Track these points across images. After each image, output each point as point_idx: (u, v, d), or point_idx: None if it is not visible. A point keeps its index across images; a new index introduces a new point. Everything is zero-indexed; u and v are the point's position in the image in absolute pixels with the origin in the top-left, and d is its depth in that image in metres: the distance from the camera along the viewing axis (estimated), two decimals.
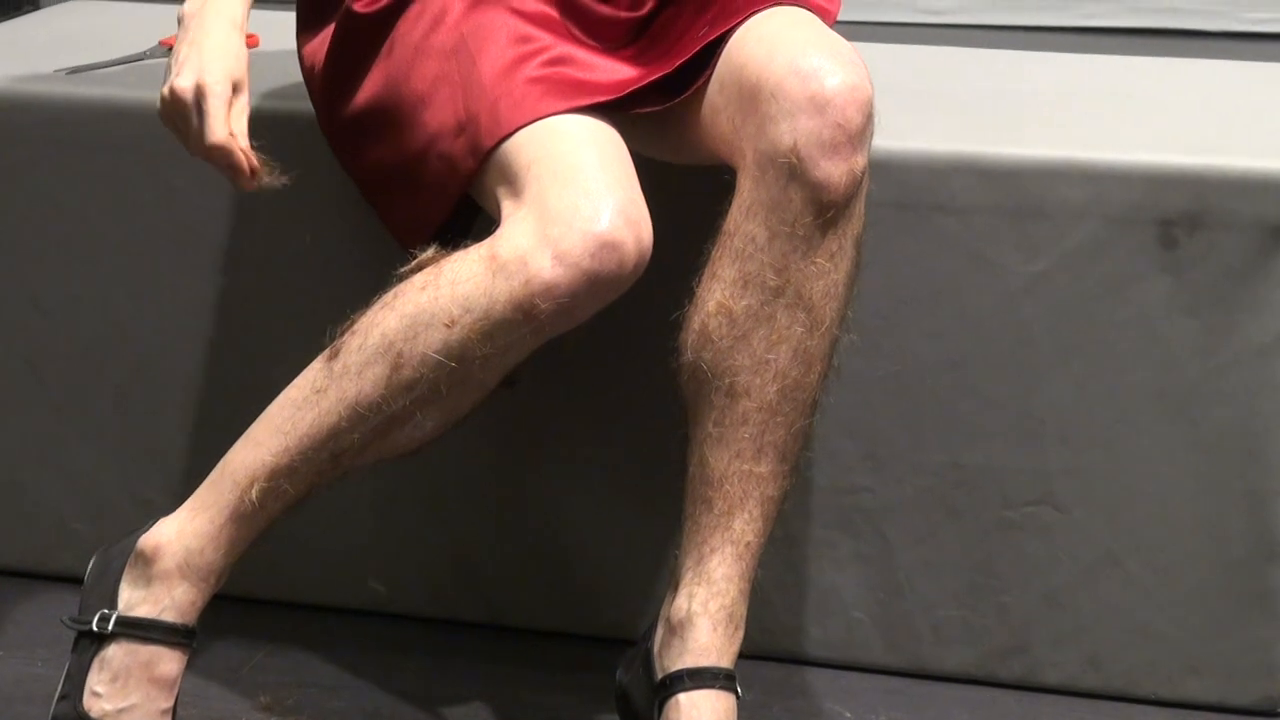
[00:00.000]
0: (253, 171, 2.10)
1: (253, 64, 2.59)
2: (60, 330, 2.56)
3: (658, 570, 2.43)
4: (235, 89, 2.10)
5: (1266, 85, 2.56)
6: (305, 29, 2.31)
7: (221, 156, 2.09)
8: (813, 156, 2.04)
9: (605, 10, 2.22)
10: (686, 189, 2.21)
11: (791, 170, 2.05)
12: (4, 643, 2.49)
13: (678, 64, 2.14)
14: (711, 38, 2.13)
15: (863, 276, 2.25)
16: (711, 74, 2.13)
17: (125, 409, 2.55)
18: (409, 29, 2.19)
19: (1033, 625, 2.38)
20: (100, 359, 2.55)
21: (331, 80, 2.25)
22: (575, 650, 2.47)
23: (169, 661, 2.14)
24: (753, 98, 2.07)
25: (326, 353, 2.09)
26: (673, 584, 2.16)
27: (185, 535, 2.13)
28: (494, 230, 2.07)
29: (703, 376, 2.10)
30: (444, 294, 2.03)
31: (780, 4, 2.16)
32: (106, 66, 2.60)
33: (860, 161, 2.06)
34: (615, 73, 2.16)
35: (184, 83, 2.09)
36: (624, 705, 2.19)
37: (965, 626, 2.39)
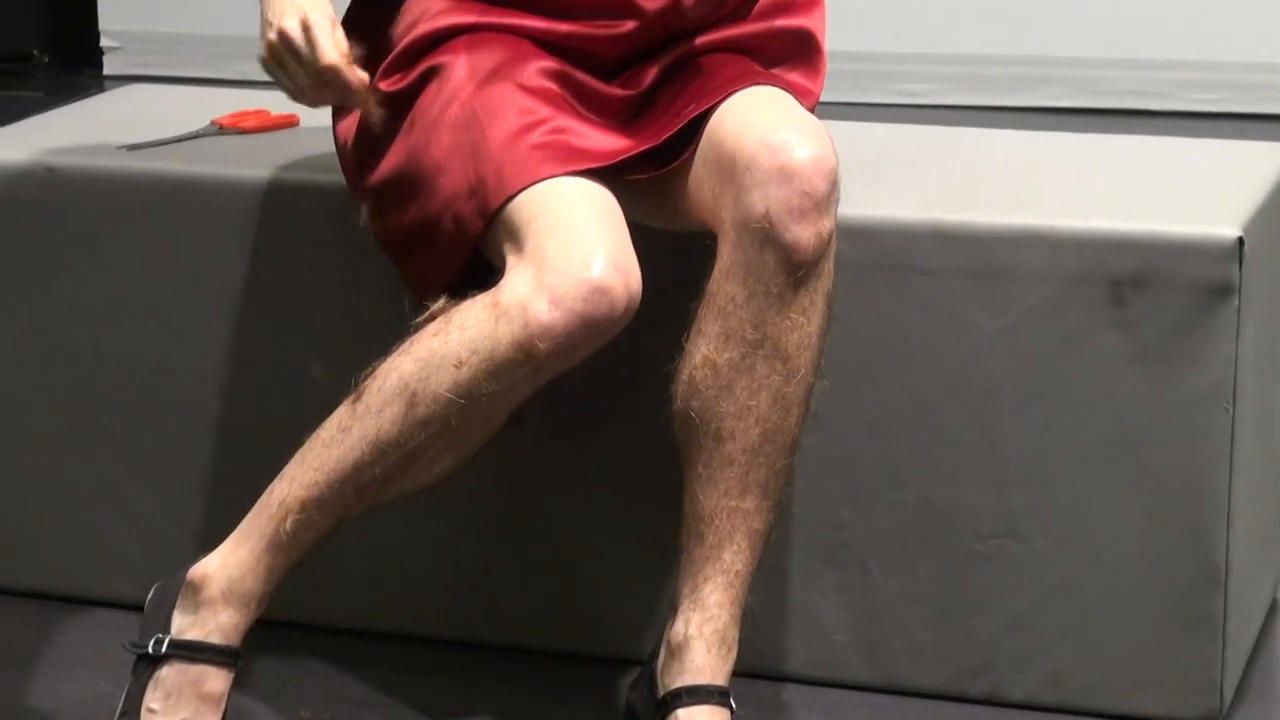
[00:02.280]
0: (361, 83, 2.11)
1: (294, 141, 2.61)
2: (118, 380, 2.55)
3: (661, 596, 2.42)
4: (307, 25, 2.11)
5: (1206, 159, 2.56)
6: (339, 109, 2.32)
7: (335, 75, 2.09)
8: (783, 222, 2.06)
9: (604, 88, 2.23)
10: (679, 251, 2.21)
11: (765, 235, 2.06)
12: (68, 662, 2.49)
13: (665, 137, 2.16)
14: (695, 114, 2.15)
15: (845, 331, 2.26)
16: (696, 148, 2.14)
17: (175, 451, 2.55)
18: (427, 105, 2.20)
19: (998, 646, 2.37)
20: (153, 406, 2.55)
21: (360, 152, 2.26)
22: (586, 670, 2.46)
23: (216, 680, 2.14)
24: (729, 169, 2.09)
25: (351, 396, 2.12)
26: (672, 610, 2.16)
27: (228, 565, 2.14)
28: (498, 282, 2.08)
29: (692, 423, 2.11)
30: (453, 338, 2.05)
31: (758, 84, 2.17)
32: (163, 144, 2.60)
33: (827, 225, 2.07)
34: (610, 143, 2.17)
35: (290, 22, 2.10)
36: (629, 716, 2.19)
37: (937, 647, 2.38)
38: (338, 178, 2.37)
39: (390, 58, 2.23)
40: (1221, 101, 4.77)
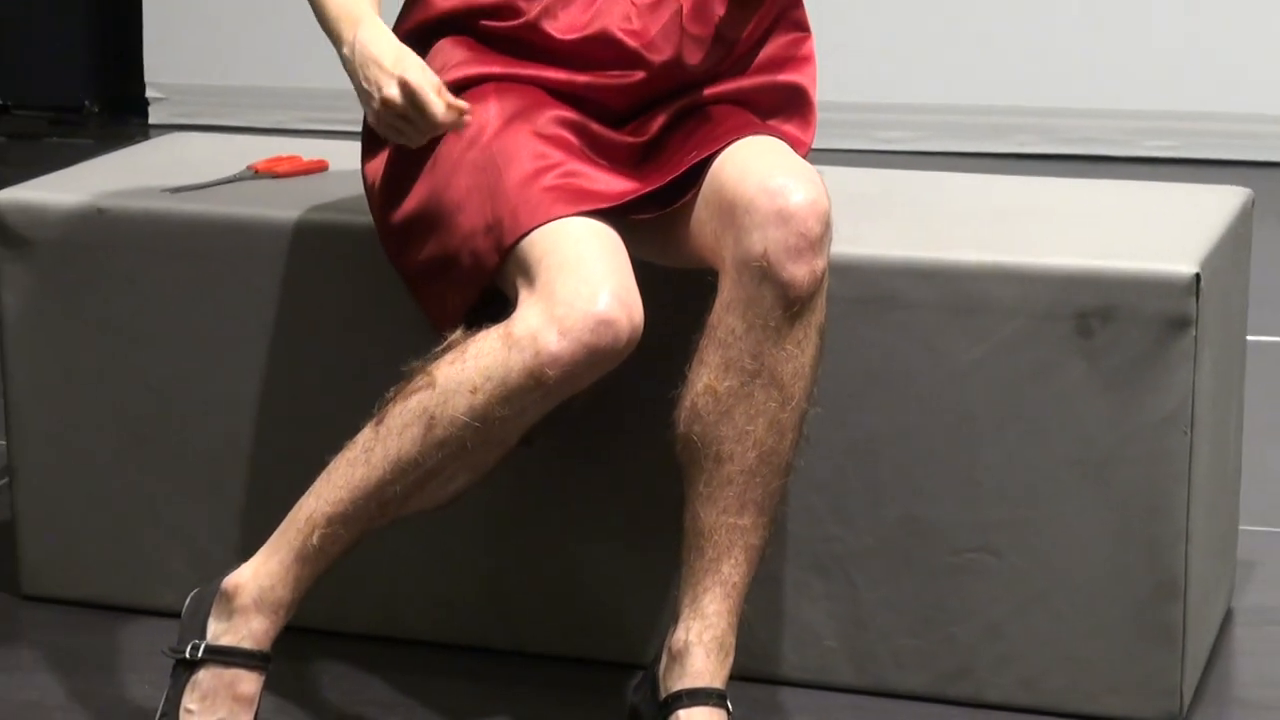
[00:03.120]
0: (467, 119, 2.12)
1: (324, 184, 2.61)
2: (163, 405, 2.55)
3: (662, 604, 2.41)
4: (423, 70, 2.12)
5: (1164, 202, 2.55)
6: (367, 152, 2.32)
7: (448, 128, 2.11)
8: (780, 261, 2.06)
9: (614, 135, 2.23)
10: (679, 286, 2.21)
11: (763, 273, 2.06)
12: (117, 667, 2.48)
13: (668, 179, 2.16)
14: (697, 159, 2.15)
15: (833, 360, 2.25)
16: (698, 191, 2.14)
17: (215, 471, 2.54)
18: (449, 148, 2.20)
19: (976, 652, 2.36)
20: (195, 430, 2.54)
21: (386, 192, 2.25)
22: (592, 674, 2.45)
23: (248, 682, 2.14)
24: (730, 212, 2.09)
25: (374, 419, 2.12)
26: (673, 618, 2.16)
27: (259, 575, 2.14)
28: (510, 314, 2.09)
29: (694, 446, 2.11)
30: (469, 366, 2.06)
31: (757, 133, 2.17)
32: (203, 187, 2.60)
33: (820, 264, 2.08)
34: (618, 185, 2.18)
35: (391, 91, 2.10)
36: (631, 718, 2.19)
37: (919, 653, 2.37)
38: (365, 218, 2.37)
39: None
40: (1178, 148, 4.77)
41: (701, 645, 2.13)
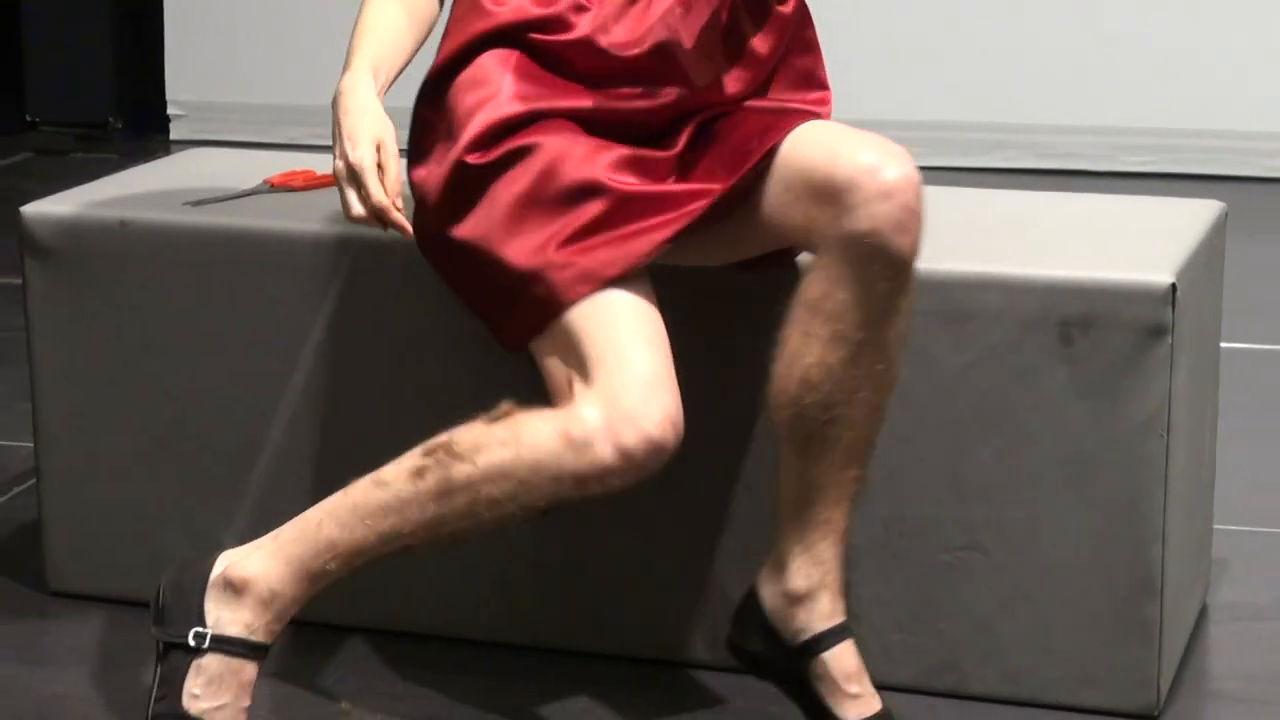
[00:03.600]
0: (404, 232, 2.12)
1: (338, 198, 2.60)
2: (184, 413, 2.55)
3: (665, 601, 2.41)
4: (379, 147, 2.11)
5: (1142, 215, 2.55)
6: (418, 158, 2.25)
7: (382, 216, 2.11)
8: (888, 235, 2.07)
9: (658, 154, 2.20)
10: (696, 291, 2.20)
11: (872, 247, 2.07)
12: (138, 660, 2.47)
13: (743, 172, 2.13)
14: (770, 146, 2.13)
15: None
16: (759, 185, 2.13)
17: (231, 474, 2.54)
18: (508, 185, 2.16)
19: (962, 647, 2.36)
20: (213, 434, 2.54)
21: (441, 212, 2.20)
22: (598, 667, 2.45)
23: (250, 670, 2.15)
24: (827, 191, 2.09)
25: (415, 472, 2.09)
26: (776, 567, 2.17)
27: (270, 577, 2.14)
28: (548, 383, 2.12)
29: (804, 411, 2.12)
30: (523, 456, 2.05)
31: (804, 119, 2.17)
32: (222, 200, 2.60)
33: (920, 234, 2.09)
34: (678, 207, 2.15)
35: (338, 164, 2.11)
36: (755, 665, 2.21)
37: (908, 647, 2.37)
38: (376, 232, 2.36)
39: (472, 135, 2.17)
40: (1154, 163, 4.77)
41: (826, 588, 2.16)
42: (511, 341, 2.20)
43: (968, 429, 2.30)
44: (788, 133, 2.15)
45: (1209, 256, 2.46)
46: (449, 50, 2.22)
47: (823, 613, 2.16)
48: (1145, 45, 4.72)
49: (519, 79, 2.20)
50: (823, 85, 2.33)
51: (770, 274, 2.26)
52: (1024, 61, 4.77)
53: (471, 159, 2.17)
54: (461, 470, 2.07)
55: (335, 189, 2.64)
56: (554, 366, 2.13)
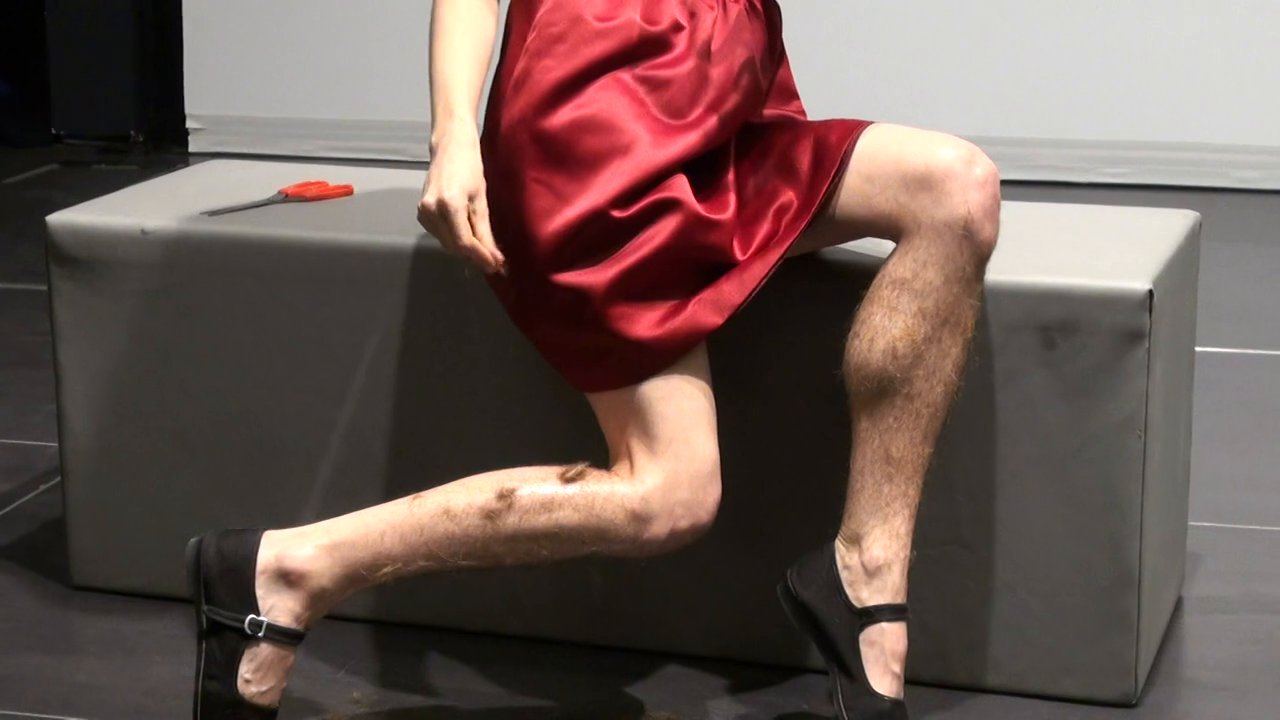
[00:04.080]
0: (497, 263, 2.09)
1: (348, 208, 2.60)
2: (204, 411, 2.55)
3: (663, 594, 2.41)
4: (472, 199, 2.09)
5: (1120, 224, 2.55)
6: (500, 172, 2.18)
7: (470, 254, 2.09)
8: (980, 220, 2.12)
9: (723, 177, 2.19)
10: None
11: (965, 231, 2.12)
12: (159, 650, 2.48)
13: (829, 180, 2.15)
14: (849, 148, 2.16)
15: (818, 366, 2.25)
16: (837, 182, 2.16)
17: (249, 471, 2.54)
18: (639, 245, 2.13)
19: (948, 637, 2.36)
20: (231, 433, 2.54)
21: (546, 251, 2.13)
22: (596, 657, 2.45)
23: (292, 657, 2.18)
24: (924, 179, 2.13)
25: (487, 514, 2.15)
26: (850, 537, 2.18)
27: (323, 575, 2.15)
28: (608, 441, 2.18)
29: (887, 384, 2.13)
30: (590, 522, 2.13)
31: (860, 125, 2.19)
32: (238, 210, 2.60)
33: (999, 224, 2.15)
34: (772, 244, 2.17)
35: (429, 199, 2.08)
36: (803, 612, 2.20)
37: None
38: (384, 238, 2.36)
39: (619, 190, 2.11)
40: (1132, 175, 4.77)
41: (899, 562, 2.17)
42: (578, 384, 2.20)
43: (953, 428, 2.30)
44: (850, 136, 2.17)
45: (1184, 264, 2.46)
46: (560, 75, 2.13)
47: (894, 587, 2.16)
48: (1123, 63, 4.72)
49: (649, 123, 2.14)
50: (797, 95, 2.35)
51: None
52: (1006, 78, 4.77)
53: (617, 214, 2.12)
54: (532, 521, 2.14)
55: (344, 199, 2.67)
56: (620, 427, 2.17)
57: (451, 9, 2.16)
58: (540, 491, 2.14)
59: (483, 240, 2.08)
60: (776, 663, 2.41)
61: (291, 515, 2.49)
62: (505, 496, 2.14)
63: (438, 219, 2.08)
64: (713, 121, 2.17)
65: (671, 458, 2.14)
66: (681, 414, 2.15)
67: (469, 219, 2.07)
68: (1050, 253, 2.40)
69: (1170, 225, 2.52)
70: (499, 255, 2.09)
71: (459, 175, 2.08)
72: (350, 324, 2.48)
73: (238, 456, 2.54)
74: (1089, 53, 4.74)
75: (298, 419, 2.51)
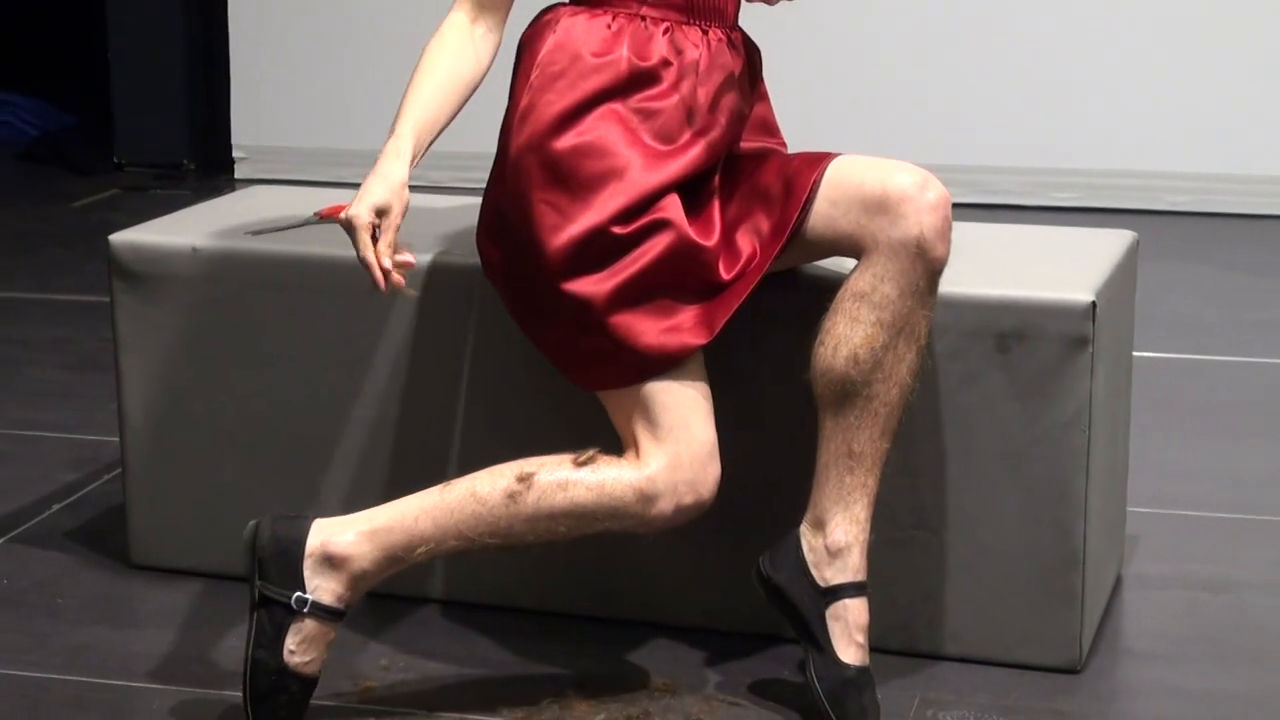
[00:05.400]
0: (390, 284, 2.09)
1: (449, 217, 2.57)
2: (247, 410, 2.54)
3: (667, 571, 2.40)
4: (382, 214, 2.09)
5: (1066, 242, 2.55)
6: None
7: (363, 266, 2.10)
8: (932, 240, 2.12)
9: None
10: None
11: (919, 250, 2.11)
12: (210, 624, 2.48)
13: (800, 204, 2.15)
14: (816, 179, 2.15)
15: (795, 370, 2.24)
16: (807, 211, 2.15)
17: (290, 464, 2.53)
18: (637, 259, 2.13)
19: (913, 611, 2.35)
20: (273, 429, 2.53)
21: (553, 263, 2.13)
22: (604, 629, 2.44)
23: (333, 633, 2.18)
24: (881, 203, 2.12)
25: (510, 496, 2.15)
26: (817, 523, 2.18)
27: (364, 559, 2.15)
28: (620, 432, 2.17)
29: (850, 387, 2.13)
30: (602, 501, 2.13)
31: (805, 157, 2.18)
32: (277, 230, 2.59)
33: (950, 244, 2.15)
34: (754, 266, 2.17)
35: (358, 210, 2.10)
36: (775, 593, 2.20)
37: None
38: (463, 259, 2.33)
39: (618, 208, 2.11)
40: (1076, 199, 4.77)
41: (859, 544, 2.18)
42: (583, 384, 2.20)
43: (918, 424, 2.30)
44: (818, 167, 2.16)
45: (1123, 278, 2.46)
46: (562, 108, 2.12)
47: (854, 566, 2.17)
48: (1067, 98, 4.72)
49: (641, 149, 2.13)
50: (778, 130, 2.34)
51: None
52: (961, 111, 4.77)
53: (617, 230, 2.12)
54: (550, 501, 2.13)
55: None
56: (626, 418, 2.17)
57: (438, 46, 2.17)
58: (556, 475, 2.14)
59: (379, 258, 2.08)
60: (756, 632, 2.40)
61: (324, 502, 2.49)
62: (525, 479, 2.13)
63: (346, 230, 2.10)
64: (700, 146, 2.16)
65: (674, 442, 2.14)
66: (681, 403, 2.15)
67: (372, 234, 2.08)
68: (1004, 268, 2.39)
69: (1110, 244, 2.51)
70: (396, 276, 2.09)
71: (371, 192, 2.10)
72: (378, 332, 2.47)
73: (277, 450, 2.53)
74: (1036, 88, 4.74)
75: (331, 416, 2.50)
